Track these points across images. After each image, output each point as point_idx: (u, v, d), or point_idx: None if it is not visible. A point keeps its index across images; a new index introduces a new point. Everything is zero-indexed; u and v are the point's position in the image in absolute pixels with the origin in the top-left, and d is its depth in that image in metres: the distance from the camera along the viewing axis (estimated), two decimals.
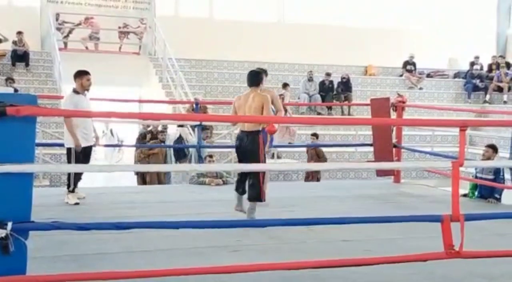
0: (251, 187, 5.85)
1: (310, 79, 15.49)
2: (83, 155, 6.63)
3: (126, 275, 3.52)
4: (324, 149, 12.53)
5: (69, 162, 6.73)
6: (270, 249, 4.86)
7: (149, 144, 10.50)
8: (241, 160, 5.99)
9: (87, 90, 6.78)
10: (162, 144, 10.54)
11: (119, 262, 4.38)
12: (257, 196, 5.82)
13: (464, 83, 17.94)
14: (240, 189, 6.06)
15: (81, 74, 6.78)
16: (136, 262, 4.32)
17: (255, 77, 6.09)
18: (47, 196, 7.05)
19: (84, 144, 6.62)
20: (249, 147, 5.85)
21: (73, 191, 6.69)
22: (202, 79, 15.98)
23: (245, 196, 6.04)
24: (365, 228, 5.02)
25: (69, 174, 6.71)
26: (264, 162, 6.02)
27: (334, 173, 11.93)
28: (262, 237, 5.03)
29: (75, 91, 6.75)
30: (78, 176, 6.88)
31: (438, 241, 3.64)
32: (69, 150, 6.68)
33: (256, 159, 5.74)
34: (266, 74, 7.02)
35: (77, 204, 6.58)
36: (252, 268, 3.67)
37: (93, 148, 7.10)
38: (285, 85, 14.82)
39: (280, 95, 14.21)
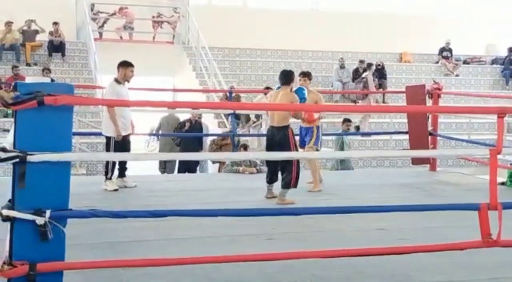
0: (285, 175, 6.15)
1: (342, 66, 15.37)
2: (122, 143, 6.76)
3: (162, 262, 3.55)
4: (358, 137, 12.46)
5: (107, 150, 6.86)
6: (304, 237, 4.86)
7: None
8: (273, 150, 6.19)
9: (128, 81, 6.93)
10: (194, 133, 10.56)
11: (155, 249, 4.43)
12: (288, 184, 6.15)
13: (502, 70, 17.58)
14: (268, 179, 6.41)
15: (126, 65, 6.90)
16: (172, 250, 4.37)
17: (286, 77, 6.31)
18: (84, 184, 7.16)
19: (123, 133, 6.76)
20: (280, 141, 6.10)
21: (110, 178, 6.81)
22: (236, 68, 15.99)
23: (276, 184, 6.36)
24: (401, 216, 4.98)
25: (107, 162, 6.82)
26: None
27: (369, 161, 11.84)
28: (296, 226, 5.03)
29: (117, 80, 6.87)
30: (123, 165, 7.03)
31: (475, 229, 3.58)
32: (108, 138, 6.82)
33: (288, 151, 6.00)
34: (310, 78, 7.09)
35: (116, 190, 6.72)
36: (287, 256, 3.67)
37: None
38: (369, 66, 14.66)
39: (362, 78, 14.21)
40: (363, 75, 14.45)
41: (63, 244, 3.15)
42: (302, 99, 6.34)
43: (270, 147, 6.29)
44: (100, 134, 10.67)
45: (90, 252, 4.25)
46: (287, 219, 4.87)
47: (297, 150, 6.41)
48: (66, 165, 3.19)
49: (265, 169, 8.47)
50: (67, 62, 14.78)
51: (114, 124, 6.68)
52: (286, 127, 6.18)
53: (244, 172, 8.25)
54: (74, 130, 8.98)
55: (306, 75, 7.05)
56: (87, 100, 5.49)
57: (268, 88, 13.54)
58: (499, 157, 3.75)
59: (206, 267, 3.81)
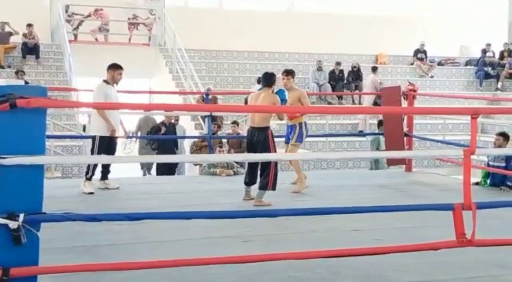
0: (263, 178, 6.21)
1: (319, 69, 15.45)
2: (108, 145, 6.74)
3: (139, 265, 3.53)
4: (334, 138, 12.52)
5: (92, 149, 6.84)
6: (280, 239, 4.87)
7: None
8: (252, 151, 6.27)
9: (117, 83, 6.95)
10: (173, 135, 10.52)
11: (132, 252, 4.40)
12: (265, 186, 6.20)
13: (475, 71, 17.81)
14: (248, 181, 6.44)
15: (115, 67, 6.93)
16: (149, 253, 4.34)
17: (268, 79, 6.43)
18: (59, 187, 7.10)
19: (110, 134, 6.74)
20: (260, 143, 6.18)
21: (90, 179, 6.77)
22: (212, 69, 15.97)
23: (253, 186, 6.40)
24: (377, 217, 5.00)
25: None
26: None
27: (345, 162, 11.91)
28: (273, 227, 5.03)
29: (106, 81, 6.88)
30: (106, 167, 6.99)
31: (450, 229, 3.62)
32: (94, 137, 6.80)
33: (267, 152, 6.08)
34: (293, 76, 7.18)
35: (91, 193, 6.66)
36: (264, 258, 3.67)
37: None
38: (374, 69, 14.68)
39: (380, 84, 14.30)
40: (369, 78, 14.56)
41: (37, 248, 3.11)
42: (283, 100, 6.42)
43: (249, 148, 6.35)
44: (75, 137, 10.63)
45: (65, 256, 4.20)
46: (264, 221, 4.87)
47: (275, 152, 6.44)
48: (40, 168, 3.15)
49: (242, 170, 8.51)
50: (41, 65, 14.63)
51: (105, 121, 6.66)
52: (266, 128, 6.25)
53: (221, 174, 8.24)
54: (49, 133, 8.89)
55: (289, 73, 7.10)
56: (61, 102, 5.44)
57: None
58: (473, 157, 3.79)
59: (183, 270, 3.79)
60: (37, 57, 14.59)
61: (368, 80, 14.70)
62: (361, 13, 18.21)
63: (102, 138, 6.74)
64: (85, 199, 6.52)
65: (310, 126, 13.03)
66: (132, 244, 4.66)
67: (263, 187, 6.20)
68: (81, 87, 10.90)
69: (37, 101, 3.04)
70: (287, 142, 7.17)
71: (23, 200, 3.05)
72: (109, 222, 4.25)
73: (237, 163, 8.54)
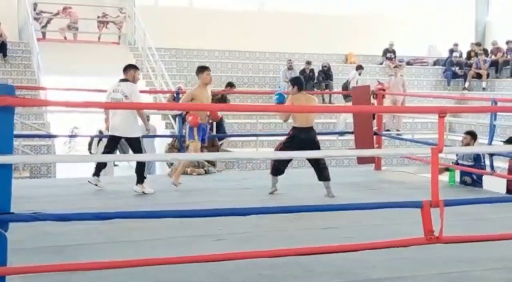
0: (322, 170, 6.74)
1: (290, 68, 15.50)
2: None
3: (109, 265, 3.50)
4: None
5: (140, 150, 6.81)
6: (252, 237, 4.87)
7: None
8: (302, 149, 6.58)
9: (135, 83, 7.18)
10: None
11: (102, 252, 4.36)
12: (328, 176, 6.74)
13: (443, 71, 18.06)
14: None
15: (136, 68, 7.31)
16: (120, 252, 4.31)
17: (301, 83, 6.94)
18: (27, 187, 7.02)
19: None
20: (314, 139, 6.78)
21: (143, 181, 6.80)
22: (183, 68, 15.91)
23: None
24: (347, 215, 5.06)
25: (142, 165, 6.80)
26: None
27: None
28: (244, 226, 5.04)
29: (132, 82, 7.16)
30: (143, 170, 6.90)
31: (419, 227, 3.67)
32: (135, 139, 6.82)
33: (318, 148, 6.79)
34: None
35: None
36: (235, 257, 3.67)
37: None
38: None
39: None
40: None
41: (5, 248, 3.08)
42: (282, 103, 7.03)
43: (302, 145, 6.55)
44: (44, 136, 10.48)
45: (34, 257, 4.15)
46: (236, 220, 4.88)
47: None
48: (8, 168, 3.11)
49: (213, 169, 8.51)
50: (9, 63, 14.39)
51: (144, 121, 7.07)
52: (313, 128, 6.86)
53: (192, 173, 8.22)
54: (16, 132, 8.75)
55: None
56: (28, 101, 5.36)
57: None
58: (441, 155, 3.85)
59: (154, 269, 3.78)
60: (5, 55, 14.35)
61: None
62: (331, 13, 18.32)
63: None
64: (55, 199, 6.44)
65: (280, 125, 13.14)
66: (101, 244, 4.63)
67: (328, 178, 6.70)
68: (50, 86, 10.77)
69: (4, 100, 3.00)
70: None
71: None
72: (78, 222, 4.22)
73: (208, 162, 8.52)
